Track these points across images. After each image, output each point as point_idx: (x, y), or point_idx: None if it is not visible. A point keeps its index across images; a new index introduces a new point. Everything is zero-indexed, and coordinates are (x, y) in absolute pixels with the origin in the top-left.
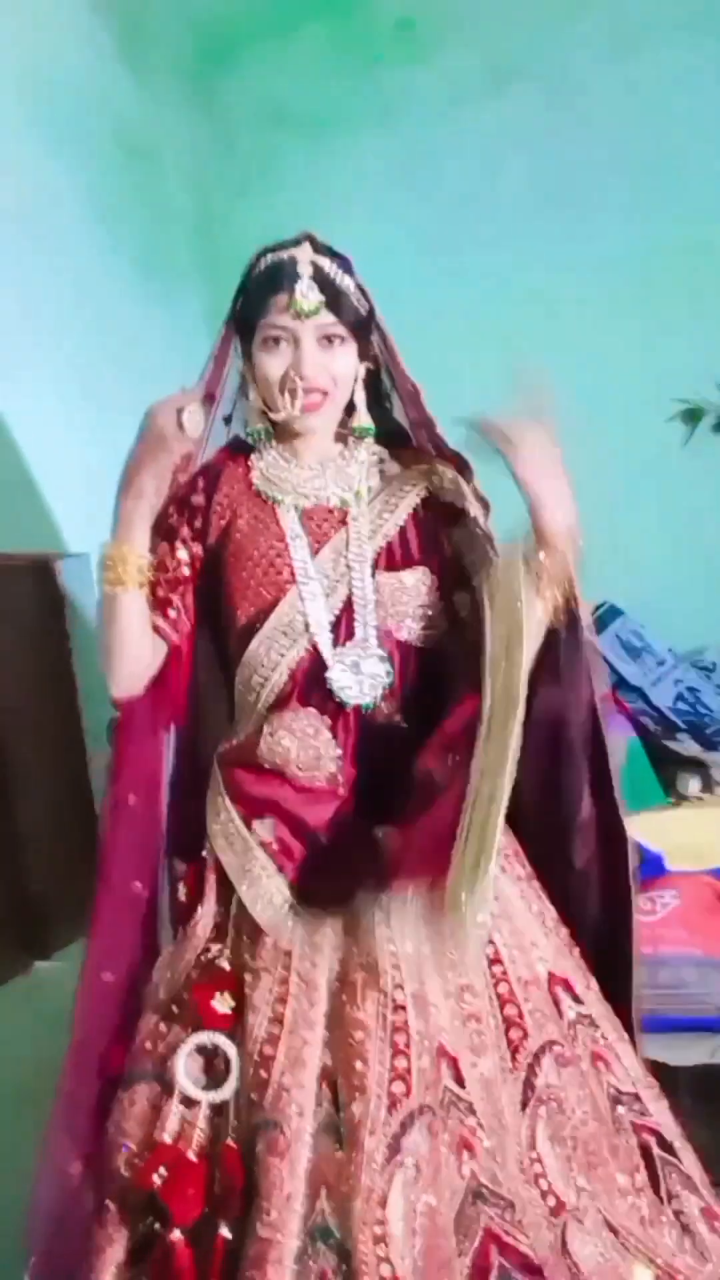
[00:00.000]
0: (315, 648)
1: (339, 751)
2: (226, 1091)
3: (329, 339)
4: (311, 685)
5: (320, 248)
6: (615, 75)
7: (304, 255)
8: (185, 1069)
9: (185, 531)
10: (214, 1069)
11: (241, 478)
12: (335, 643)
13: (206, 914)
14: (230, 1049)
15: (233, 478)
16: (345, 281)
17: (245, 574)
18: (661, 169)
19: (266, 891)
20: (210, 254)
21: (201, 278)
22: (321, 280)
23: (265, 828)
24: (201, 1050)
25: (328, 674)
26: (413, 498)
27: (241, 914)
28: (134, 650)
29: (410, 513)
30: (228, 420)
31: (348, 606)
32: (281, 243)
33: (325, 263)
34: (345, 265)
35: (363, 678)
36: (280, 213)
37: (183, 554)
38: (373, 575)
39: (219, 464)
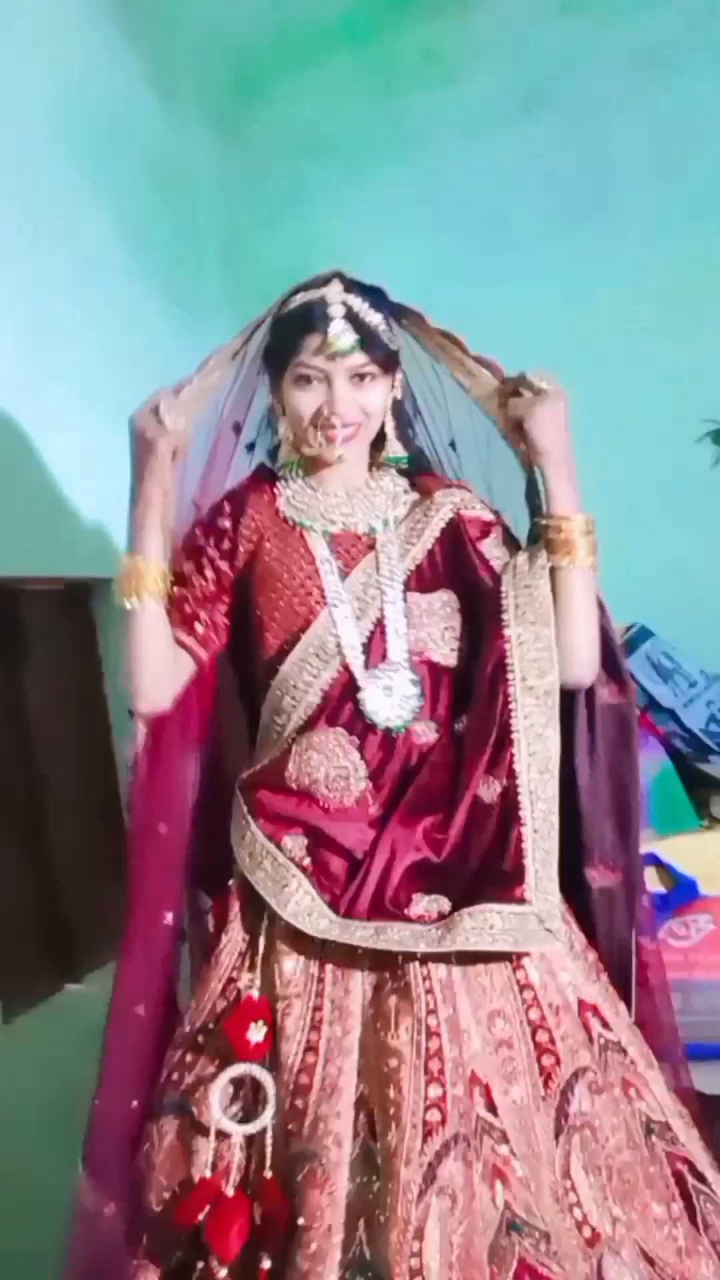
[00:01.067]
0: (347, 669)
1: (367, 771)
2: (263, 1122)
3: (360, 376)
4: (342, 706)
5: (350, 285)
6: (638, 99)
7: (335, 295)
8: (219, 1104)
9: (212, 551)
10: (247, 1100)
11: (268, 504)
12: (367, 665)
13: (232, 941)
14: (266, 1079)
15: (259, 504)
16: (374, 318)
17: (275, 597)
18: (685, 191)
19: (305, 905)
20: (239, 281)
21: (230, 304)
22: (353, 320)
23: (296, 843)
24: (234, 1083)
25: (360, 695)
26: (439, 521)
27: (270, 941)
28: (154, 663)
29: (438, 536)
30: (250, 447)
31: (379, 629)
32: (312, 280)
33: (356, 301)
34: (375, 300)
35: (395, 699)
36: (308, 240)
37: (210, 573)
38: (403, 597)
39: (244, 491)
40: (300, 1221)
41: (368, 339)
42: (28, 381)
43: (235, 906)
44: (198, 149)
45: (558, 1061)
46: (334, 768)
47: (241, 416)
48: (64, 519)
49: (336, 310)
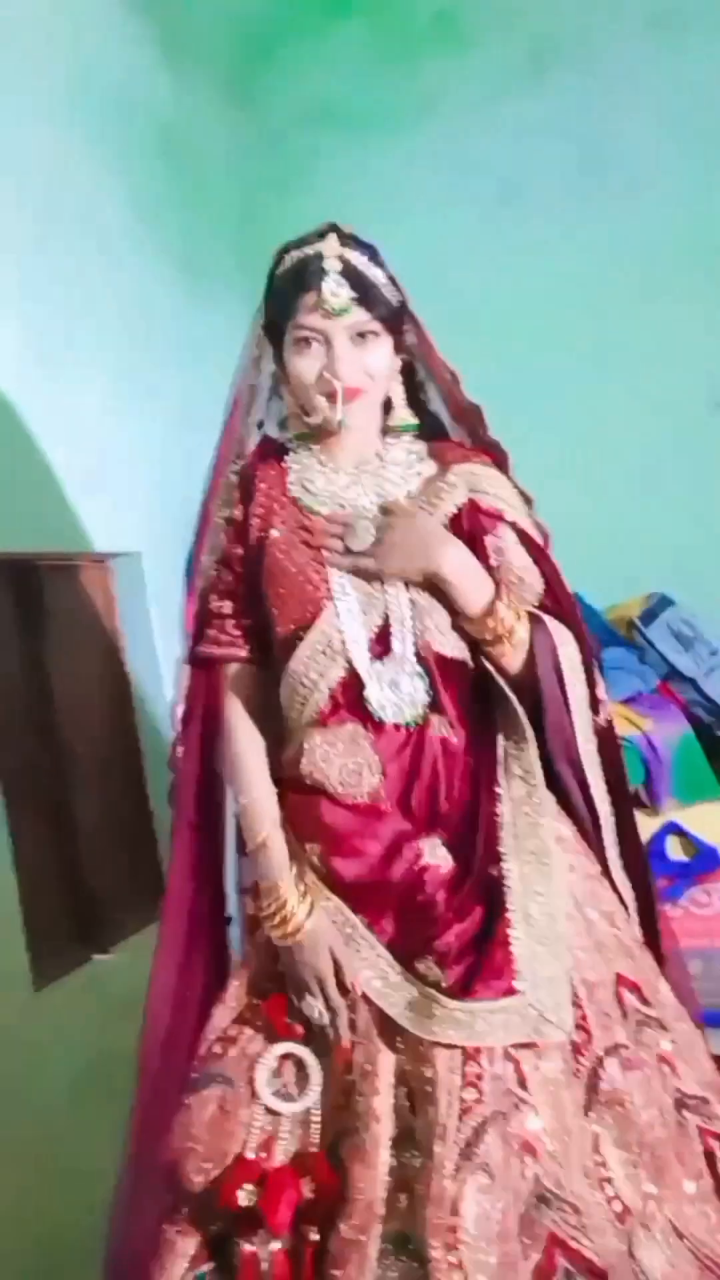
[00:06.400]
0: (353, 665)
1: (380, 767)
2: (309, 1100)
3: (361, 335)
4: (352, 701)
5: (346, 239)
6: (655, 58)
7: (330, 249)
8: (267, 1081)
9: (239, 550)
10: (290, 1076)
11: (276, 480)
12: (373, 659)
13: None
14: (309, 1057)
15: (266, 479)
16: (375, 273)
17: (283, 589)
18: (705, 151)
19: (324, 914)
20: (252, 251)
21: (244, 275)
22: (350, 275)
23: (312, 849)
24: (281, 1060)
25: (365, 692)
26: (450, 504)
27: None
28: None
29: (448, 520)
30: (260, 425)
31: (386, 621)
32: (305, 237)
33: (353, 255)
34: (373, 255)
35: (401, 695)
36: (322, 208)
37: (241, 582)
38: (408, 588)
39: (250, 469)
40: (346, 1193)
41: (367, 294)
42: (43, 358)
43: None
44: (208, 118)
45: (589, 1038)
46: (346, 763)
47: (254, 382)
48: (81, 495)
49: (332, 265)
